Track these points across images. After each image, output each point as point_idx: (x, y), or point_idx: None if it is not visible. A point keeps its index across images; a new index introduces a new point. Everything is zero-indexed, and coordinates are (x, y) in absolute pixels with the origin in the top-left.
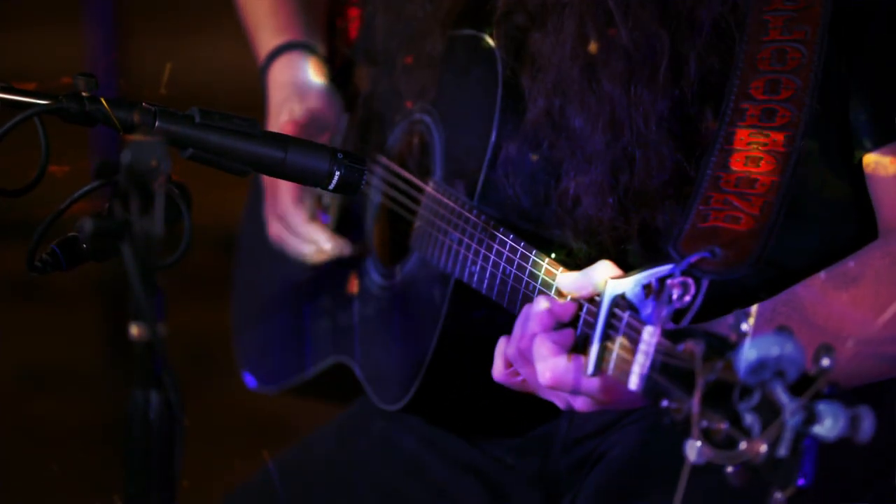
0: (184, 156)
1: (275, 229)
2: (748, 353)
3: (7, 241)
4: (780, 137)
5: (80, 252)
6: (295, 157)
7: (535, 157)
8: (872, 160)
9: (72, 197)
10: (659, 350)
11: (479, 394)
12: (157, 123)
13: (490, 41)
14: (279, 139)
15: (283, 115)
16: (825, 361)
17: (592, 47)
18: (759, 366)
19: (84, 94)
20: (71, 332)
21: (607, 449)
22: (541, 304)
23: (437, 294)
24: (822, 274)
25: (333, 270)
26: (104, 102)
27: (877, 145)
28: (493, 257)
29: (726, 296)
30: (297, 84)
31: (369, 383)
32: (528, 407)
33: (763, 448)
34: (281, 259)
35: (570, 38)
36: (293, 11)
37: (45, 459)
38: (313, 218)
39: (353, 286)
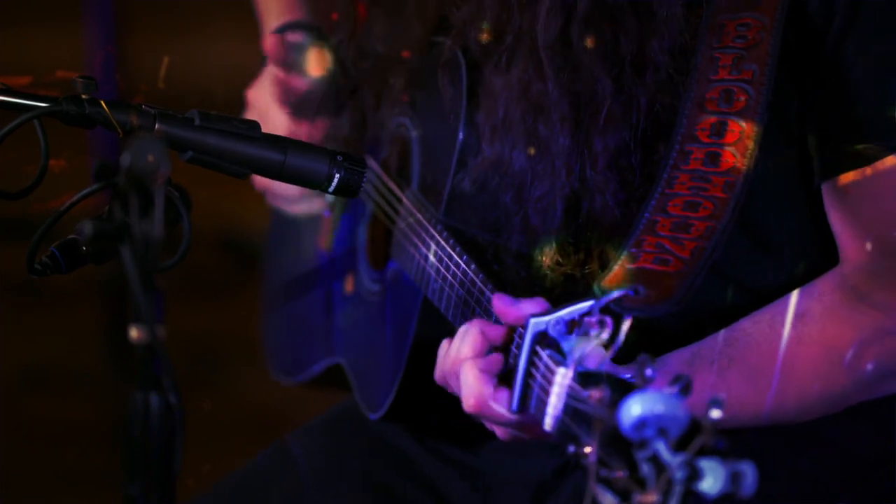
0: (183, 158)
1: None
2: (631, 410)
3: (6, 241)
4: (721, 182)
5: (79, 254)
6: (294, 160)
7: (483, 196)
8: (828, 191)
9: (71, 200)
10: (570, 394)
11: (457, 401)
12: (156, 126)
13: (461, 59)
14: (278, 141)
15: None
16: (714, 413)
17: (532, 93)
18: (641, 423)
19: (83, 96)
20: (72, 332)
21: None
22: (474, 327)
23: (411, 304)
24: (770, 308)
25: (337, 269)
26: (104, 105)
27: (830, 176)
28: (449, 278)
29: (699, 319)
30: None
31: (356, 390)
32: None
33: (655, 499)
34: (300, 255)
35: (514, 83)
36: None
37: (46, 459)
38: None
39: (349, 287)
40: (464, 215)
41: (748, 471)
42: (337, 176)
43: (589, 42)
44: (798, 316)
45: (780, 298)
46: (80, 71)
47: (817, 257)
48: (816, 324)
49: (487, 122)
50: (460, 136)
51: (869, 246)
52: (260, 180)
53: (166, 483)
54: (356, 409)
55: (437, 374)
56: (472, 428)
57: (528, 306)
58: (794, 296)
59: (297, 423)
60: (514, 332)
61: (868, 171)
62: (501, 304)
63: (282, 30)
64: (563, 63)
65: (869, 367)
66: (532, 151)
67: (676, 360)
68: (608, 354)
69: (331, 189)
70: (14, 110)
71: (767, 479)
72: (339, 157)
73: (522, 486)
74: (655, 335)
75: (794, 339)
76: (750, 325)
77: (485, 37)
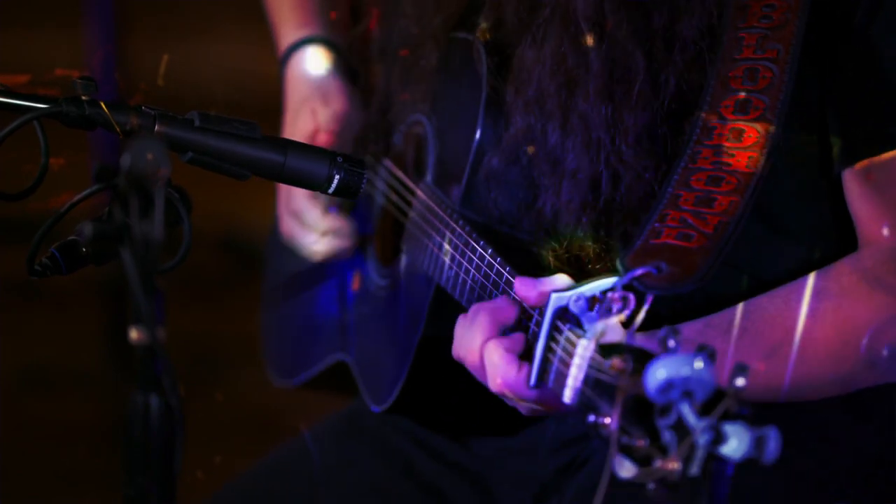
0: (183, 160)
1: (287, 226)
2: (657, 373)
3: (6, 241)
4: (744, 157)
5: (80, 256)
6: (294, 161)
7: (514, 172)
8: (849, 176)
9: (71, 201)
10: (591, 365)
11: (464, 395)
12: (156, 127)
13: (480, 48)
14: (278, 143)
15: (304, 116)
16: (739, 381)
17: (569, 66)
18: (667, 386)
19: (83, 97)
20: (72, 332)
21: (590, 455)
22: (483, 310)
23: (421, 296)
24: (787, 286)
25: (341, 268)
26: (104, 106)
27: (851, 162)
28: (465, 264)
29: (711, 308)
30: (317, 81)
31: (362, 383)
32: (514, 409)
33: (676, 466)
34: (298, 257)
35: (548, 56)
36: (315, 7)
37: (46, 459)
38: (326, 211)
39: (356, 284)
40: (490, 197)
41: (772, 435)
42: (337, 177)
43: (623, 16)
44: (814, 293)
45: (799, 278)
46: (80, 71)
47: (833, 246)
48: (831, 302)
49: (520, 96)
50: (478, 132)
51: (888, 230)
52: (287, 230)
53: (166, 483)
54: (361, 410)
55: (456, 349)
56: (475, 422)
57: (549, 284)
58: (812, 275)
59: (297, 422)
60: (529, 319)
61: (892, 154)
62: (524, 287)
63: (298, 45)
64: (599, 36)
65: (883, 349)
66: (566, 126)
67: (688, 329)
68: (628, 332)
69: (330, 190)
70: (14, 111)
71: (774, 479)
72: (339, 159)
73: (524, 487)
74: (665, 322)
75: (809, 315)
76: (766, 300)
77: (520, 10)
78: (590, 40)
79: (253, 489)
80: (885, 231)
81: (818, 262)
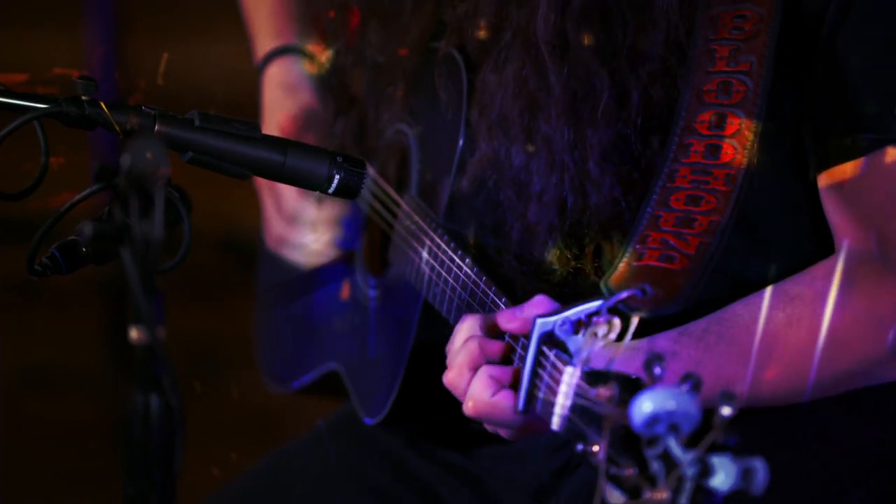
0: (183, 159)
1: (279, 231)
2: (643, 406)
3: (6, 241)
4: (722, 175)
5: (79, 255)
6: (294, 161)
7: (481, 196)
8: (824, 182)
9: (71, 201)
10: (577, 392)
11: (457, 405)
12: (156, 127)
13: (459, 60)
14: (279, 143)
15: (275, 114)
16: (725, 410)
17: (530, 89)
18: (653, 420)
19: (83, 97)
20: (72, 332)
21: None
22: (473, 340)
23: (411, 307)
24: (763, 291)
25: (331, 277)
26: (104, 106)
27: (823, 170)
28: (451, 281)
29: (692, 316)
30: (290, 84)
31: (354, 394)
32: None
33: (665, 496)
34: (288, 266)
35: (510, 80)
36: (291, 15)
37: (46, 459)
38: (319, 202)
39: (346, 294)
40: (464, 216)
41: (759, 467)
42: (337, 177)
43: (585, 35)
44: (790, 299)
45: (776, 283)
46: (80, 70)
47: (813, 252)
48: (807, 307)
49: (483, 120)
50: (461, 140)
51: (863, 236)
52: (278, 235)
53: (166, 483)
54: (351, 417)
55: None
56: (470, 432)
57: (531, 309)
58: (787, 281)
59: (297, 423)
60: (516, 341)
61: (863, 163)
62: (505, 321)
63: (273, 54)
64: (561, 57)
65: (860, 354)
66: (531, 148)
67: (664, 337)
68: (616, 354)
69: (331, 190)
70: (14, 111)
71: (776, 481)
72: (339, 159)
73: (521, 490)
74: (646, 333)
75: (784, 320)
76: (741, 307)
77: (482, 34)
78: (551, 62)
79: (250, 489)
80: (859, 236)
81: (798, 269)
